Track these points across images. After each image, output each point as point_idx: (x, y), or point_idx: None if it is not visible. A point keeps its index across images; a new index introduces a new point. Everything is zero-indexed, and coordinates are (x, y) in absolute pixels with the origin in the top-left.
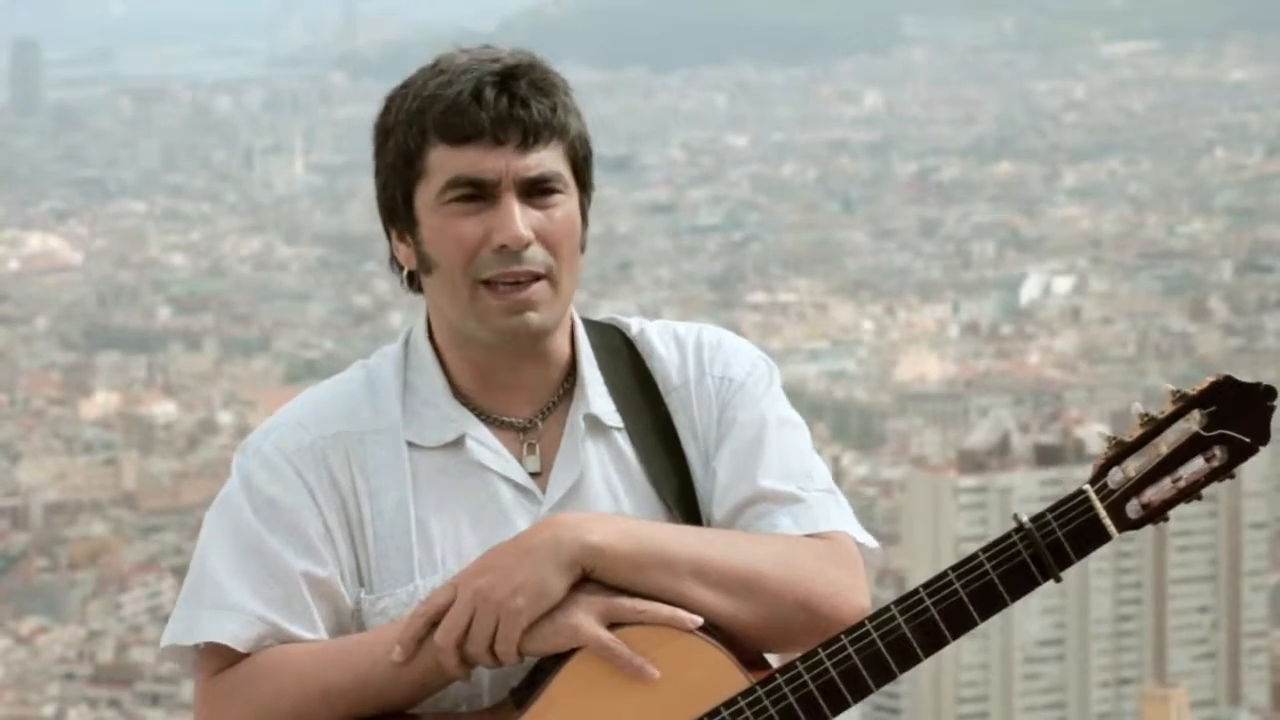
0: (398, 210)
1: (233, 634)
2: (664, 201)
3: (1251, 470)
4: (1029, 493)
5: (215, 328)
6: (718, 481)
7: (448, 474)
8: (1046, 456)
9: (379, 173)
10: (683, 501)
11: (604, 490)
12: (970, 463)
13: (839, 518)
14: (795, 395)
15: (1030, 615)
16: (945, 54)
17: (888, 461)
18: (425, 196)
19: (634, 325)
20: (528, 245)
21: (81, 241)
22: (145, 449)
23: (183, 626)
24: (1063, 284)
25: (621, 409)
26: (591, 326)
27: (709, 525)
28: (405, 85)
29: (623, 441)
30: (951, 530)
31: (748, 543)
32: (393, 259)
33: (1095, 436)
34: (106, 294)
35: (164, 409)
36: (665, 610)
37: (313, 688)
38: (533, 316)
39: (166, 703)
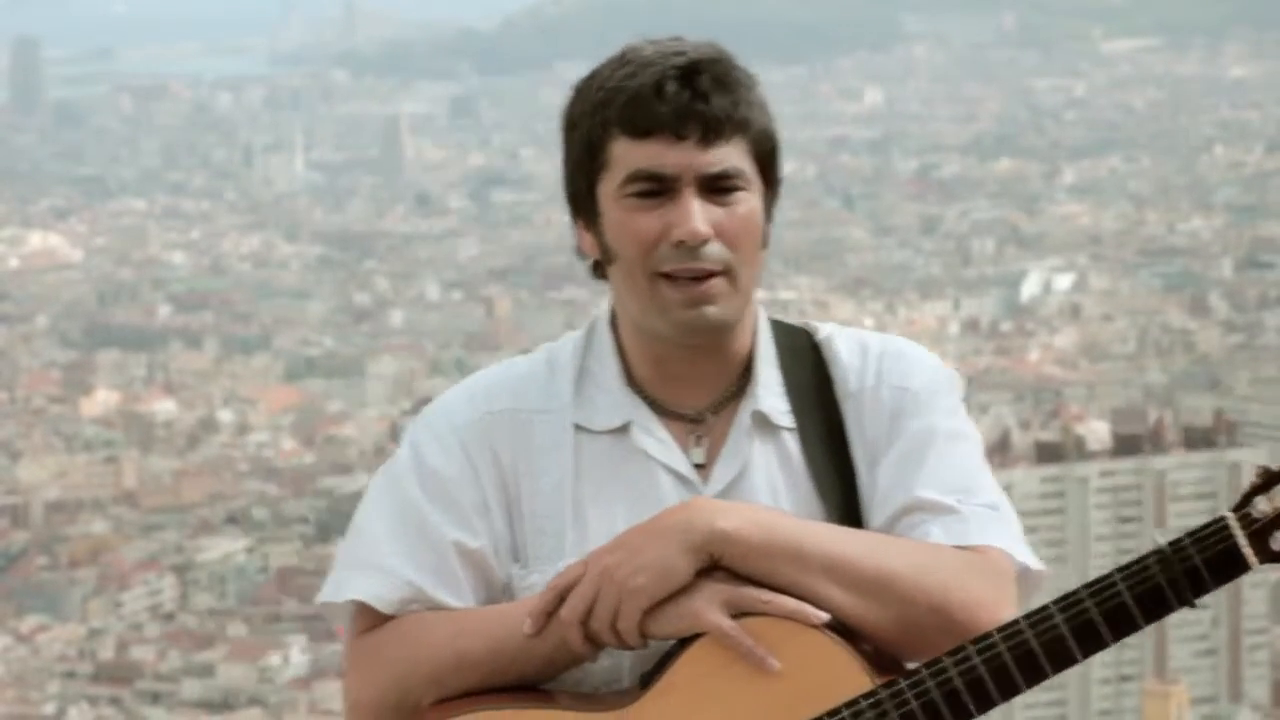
0: (582, 201)
1: (378, 594)
2: None
3: (1252, 467)
4: (1029, 489)
5: (215, 326)
6: (878, 488)
7: (612, 459)
8: (1047, 453)
9: (565, 164)
10: (844, 507)
11: (765, 487)
12: None
13: (996, 533)
14: None
15: None
16: (945, 51)
17: None
18: (607, 188)
19: (822, 330)
20: (706, 241)
21: (82, 239)
22: (145, 447)
23: (335, 584)
24: (1063, 281)
25: (795, 410)
26: (779, 327)
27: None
28: (592, 76)
29: (791, 442)
30: None
31: (886, 544)
32: (577, 248)
33: (1095, 433)
34: (106, 292)
35: (164, 407)
36: (791, 603)
37: (447, 654)
38: (711, 310)
39: (167, 700)
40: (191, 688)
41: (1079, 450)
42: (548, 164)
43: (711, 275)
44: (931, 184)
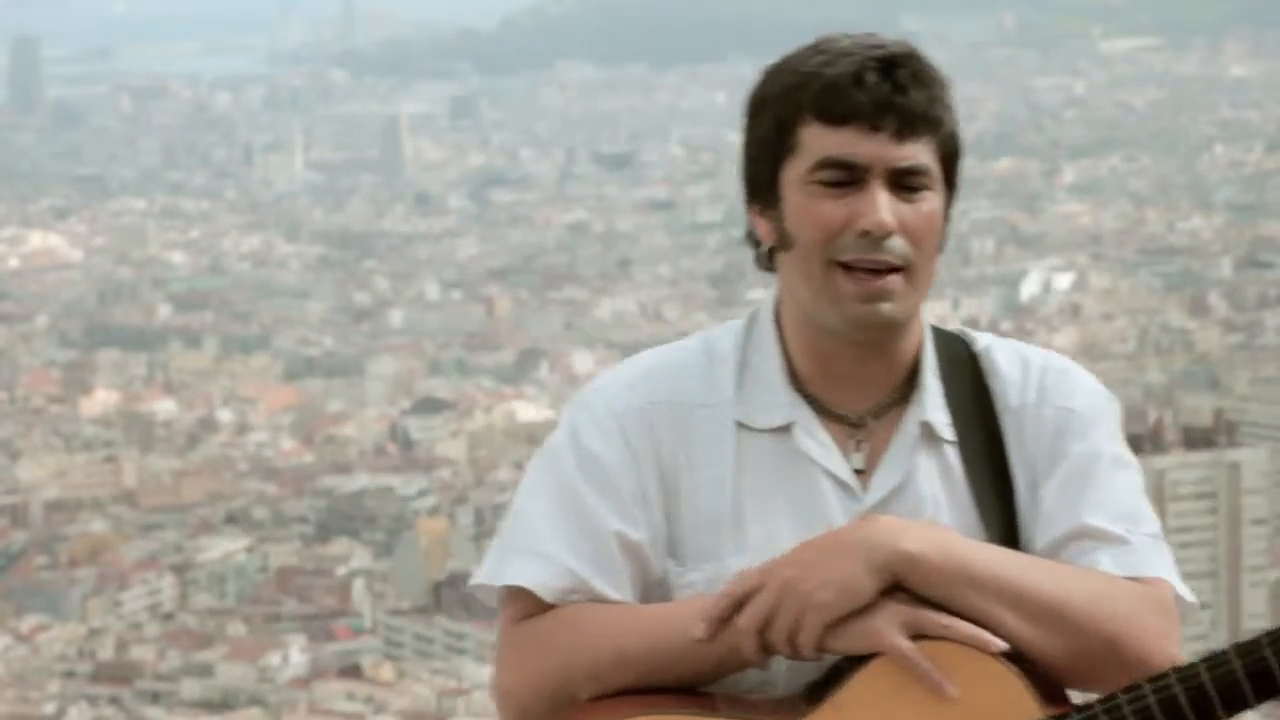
0: (762, 184)
1: (540, 582)
2: (663, 199)
3: (1251, 467)
4: None
5: (215, 325)
6: (1042, 510)
7: (772, 459)
8: None
9: (747, 146)
10: (1003, 525)
11: (926, 499)
12: None
13: (1162, 565)
14: None
15: None
16: (945, 50)
17: None
18: (793, 173)
19: (980, 340)
20: (890, 234)
21: (81, 239)
22: (145, 446)
23: (493, 566)
24: (1063, 280)
25: (956, 422)
26: (939, 334)
27: (1027, 552)
28: (785, 60)
29: (952, 455)
30: None
31: (1064, 574)
32: (749, 234)
33: None
34: (106, 291)
35: (164, 406)
36: (970, 628)
37: (607, 649)
38: (885, 307)
39: (166, 700)
40: (191, 687)
41: None
42: (547, 164)
43: (891, 270)
44: None
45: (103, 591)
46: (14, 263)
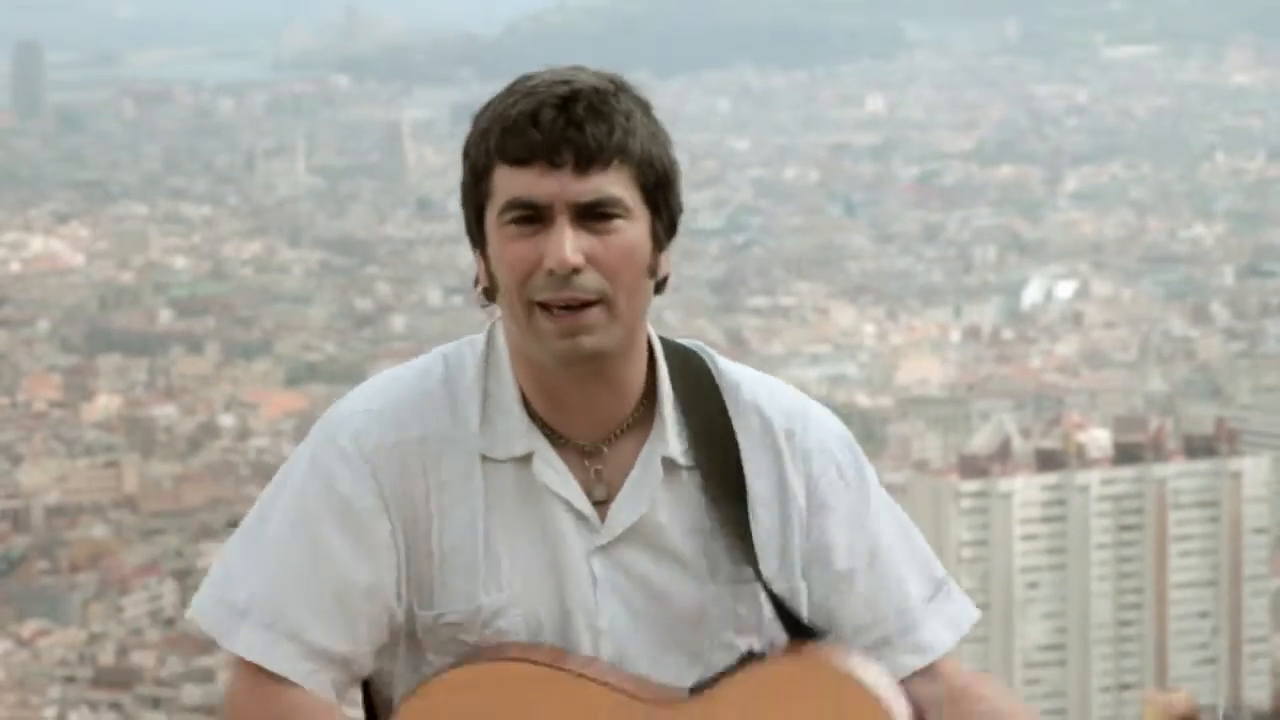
0: (471, 228)
1: (291, 669)
2: None
3: (1253, 476)
4: (1030, 497)
5: (217, 330)
6: (857, 592)
7: (515, 491)
8: (1048, 461)
9: (460, 191)
10: (745, 549)
11: (665, 528)
12: (971, 467)
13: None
14: None
15: (1031, 620)
16: (947, 58)
17: (889, 466)
18: (491, 216)
19: (718, 359)
20: (577, 270)
21: (83, 244)
22: (146, 451)
23: (234, 628)
24: (1064, 288)
25: (694, 446)
26: (672, 351)
27: (794, 576)
28: (485, 105)
29: (690, 481)
30: (953, 535)
31: None
32: (475, 277)
33: (1097, 441)
34: (108, 296)
35: (165, 411)
36: None
37: None
38: (586, 340)
39: (167, 706)
40: (192, 693)
41: (1080, 458)
42: None
43: (587, 305)
44: (933, 190)
45: (103, 596)
46: (16, 267)
